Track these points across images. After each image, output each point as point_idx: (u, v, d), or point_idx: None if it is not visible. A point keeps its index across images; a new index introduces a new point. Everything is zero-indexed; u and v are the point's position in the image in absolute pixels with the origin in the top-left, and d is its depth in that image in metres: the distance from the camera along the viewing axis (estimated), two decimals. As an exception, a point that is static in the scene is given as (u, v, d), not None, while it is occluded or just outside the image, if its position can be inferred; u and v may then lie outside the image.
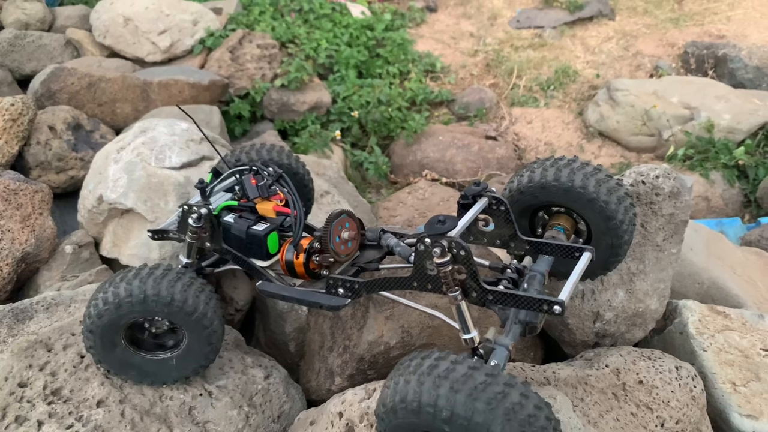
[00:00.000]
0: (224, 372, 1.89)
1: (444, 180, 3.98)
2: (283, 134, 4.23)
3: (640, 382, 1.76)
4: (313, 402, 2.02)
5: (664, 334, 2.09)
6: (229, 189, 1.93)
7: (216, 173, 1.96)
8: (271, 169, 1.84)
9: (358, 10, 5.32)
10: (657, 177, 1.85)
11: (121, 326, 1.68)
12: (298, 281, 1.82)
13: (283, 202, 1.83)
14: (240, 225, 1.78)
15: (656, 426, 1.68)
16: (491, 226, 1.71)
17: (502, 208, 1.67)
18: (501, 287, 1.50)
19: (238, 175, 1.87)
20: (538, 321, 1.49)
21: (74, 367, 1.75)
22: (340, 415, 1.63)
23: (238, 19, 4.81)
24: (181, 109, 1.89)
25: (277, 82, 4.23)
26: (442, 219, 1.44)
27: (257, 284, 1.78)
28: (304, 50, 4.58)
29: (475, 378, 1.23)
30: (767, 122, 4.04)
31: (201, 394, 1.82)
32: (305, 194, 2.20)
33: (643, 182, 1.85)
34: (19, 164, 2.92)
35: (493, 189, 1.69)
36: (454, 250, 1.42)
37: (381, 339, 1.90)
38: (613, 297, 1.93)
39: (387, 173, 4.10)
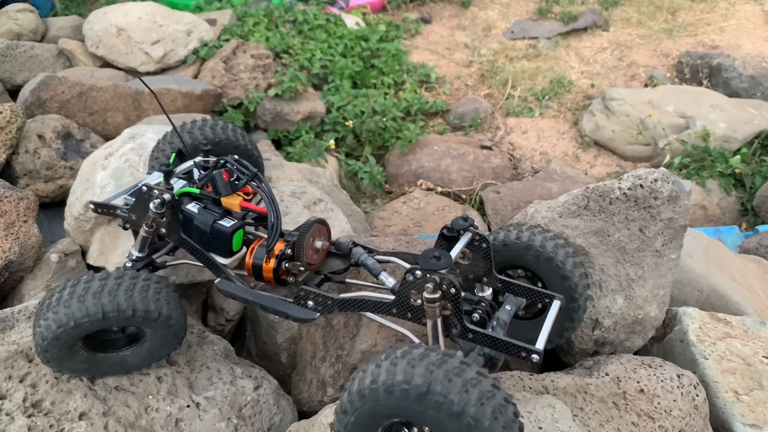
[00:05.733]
0: (212, 383, 1.83)
1: (439, 189, 3.94)
2: (277, 144, 4.20)
3: (641, 390, 1.71)
4: (305, 414, 1.96)
5: (663, 342, 2.05)
6: (185, 172, 1.86)
7: (180, 155, 1.88)
8: (242, 160, 1.77)
9: (352, 21, 5.31)
10: (655, 180, 1.81)
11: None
12: (259, 283, 1.76)
13: (250, 197, 1.77)
14: (205, 217, 1.71)
15: (658, 436, 1.63)
16: (467, 260, 1.75)
17: (484, 245, 1.70)
18: (476, 316, 1.55)
19: (195, 165, 1.80)
20: (500, 358, 1.55)
21: (56, 378, 1.69)
22: (332, 426, 1.57)
23: (233, 29, 4.80)
24: (143, 82, 1.85)
25: (271, 92, 4.20)
26: (437, 255, 1.45)
27: (216, 282, 1.72)
28: (298, 60, 4.56)
29: (450, 362, 1.24)
30: (763, 131, 4.02)
31: (188, 406, 1.76)
32: (252, 162, 2.15)
33: (641, 186, 1.82)
34: (6, 173, 2.87)
35: (477, 225, 1.73)
36: (444, 287, 1.44)
37: (375, 348, 1.85)
38: (612, 303, 1.89)
39: (382, 183, 4.06)
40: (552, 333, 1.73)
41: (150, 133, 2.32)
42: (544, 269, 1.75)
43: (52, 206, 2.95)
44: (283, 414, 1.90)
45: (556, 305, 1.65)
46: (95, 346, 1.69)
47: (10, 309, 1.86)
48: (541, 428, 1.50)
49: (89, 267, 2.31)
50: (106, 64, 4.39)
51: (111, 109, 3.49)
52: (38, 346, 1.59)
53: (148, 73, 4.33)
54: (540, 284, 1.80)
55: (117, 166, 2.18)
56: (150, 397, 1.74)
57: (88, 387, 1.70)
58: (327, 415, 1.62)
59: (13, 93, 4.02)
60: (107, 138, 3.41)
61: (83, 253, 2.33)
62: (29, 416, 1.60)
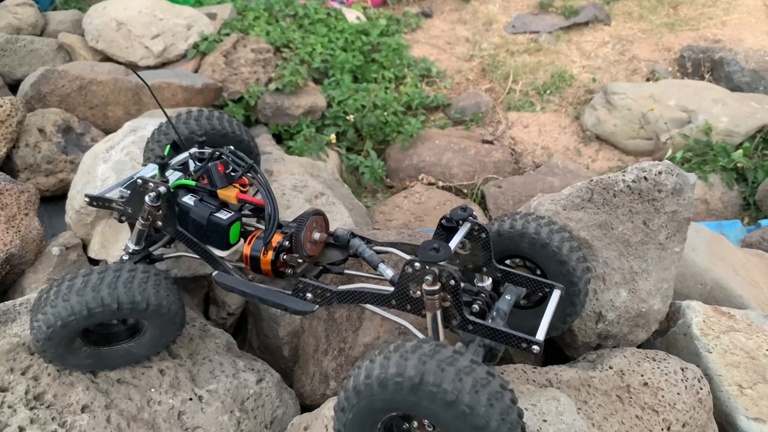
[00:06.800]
0: (215, 376, 1.83)
1: (440, 184, 3.93)
2: (278, 138, 4.18)
3: (645, 383, 1.70)
4: (307, 407, 1.96)
5: (667, 336, 2.04)
6: (180, 164, 1.84)
7: (175, 146, 1.86)
8: (238, 152, 1.75)
9: (353, 16, 5.29)
10: (659, 173, 1.80)
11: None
12: (256, 275, 1.75)
13: (247, 188, 1.76)
14: (201, 210, 1.70)
15: (662, 429, 1.63)
16: (466, 250, 1.74)
17: (483, 235, 1.69)
18: (476, 307, 1.54)
19: (190, 157, 1.78)
20: (500, 349, 1.54)
21: (58, 371, 1.68)
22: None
23: (233, 24, 4.78)
24: (137, 74, 1.84)
25: (272, 86, 4.18)
26: (436, 246, 1.44)
27: (213, 275, 1.71)
28: (299, 55, 4.54)
29: (442, 353, 1.24)
30: (765, 125, 4.01)
31: (191, 399, 1.75)
32: (247, 152, 2.15)
33: (645, 178, 1.81)
34: (7, 167, 2.86)
35: (476, 215, 1.72)
36: (444, 279, 1.43)
37: (377, 341, 1.85)
38: (616, 297, 1.88)
39: (383, 177, 4.05)
40: (555, 320, 1.74)
41: (151, 126, 2.31)
42: (541, 256, 1.73)
43: (53, 200, 2.94)
44: (286, 407, 1.90)
45: (556, 295, 1.63)
46: (98, 341, 1.68)
47: (11, 302, 1.85)
48: (545, 421, 1.49)
49: (90, 260, 2.30)
50: (106, 58, 4.37)
51: (111, 103, 3.48)
52: (36, 347, 1.59)
53: (148, 68, 4.31)
54: (539, 272, 1.78)
55: (118, 159, 2.17)
56: (152, 390, 1.73)
57: (90, 380, 1.70)
58: (330, 408, 1.62)
59: (13, 87, 4.00)
60: (107, 132, 3.40)
61: (84, 246, 2.33)
62: (31, 409, 1.60)
